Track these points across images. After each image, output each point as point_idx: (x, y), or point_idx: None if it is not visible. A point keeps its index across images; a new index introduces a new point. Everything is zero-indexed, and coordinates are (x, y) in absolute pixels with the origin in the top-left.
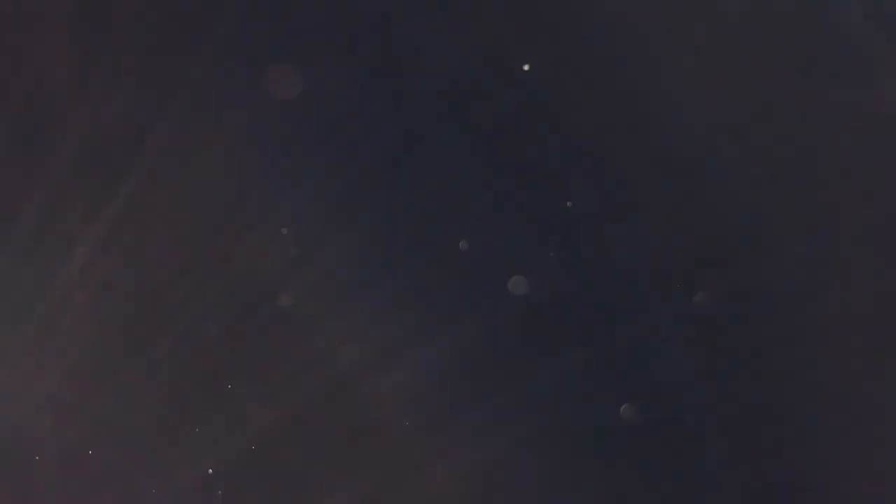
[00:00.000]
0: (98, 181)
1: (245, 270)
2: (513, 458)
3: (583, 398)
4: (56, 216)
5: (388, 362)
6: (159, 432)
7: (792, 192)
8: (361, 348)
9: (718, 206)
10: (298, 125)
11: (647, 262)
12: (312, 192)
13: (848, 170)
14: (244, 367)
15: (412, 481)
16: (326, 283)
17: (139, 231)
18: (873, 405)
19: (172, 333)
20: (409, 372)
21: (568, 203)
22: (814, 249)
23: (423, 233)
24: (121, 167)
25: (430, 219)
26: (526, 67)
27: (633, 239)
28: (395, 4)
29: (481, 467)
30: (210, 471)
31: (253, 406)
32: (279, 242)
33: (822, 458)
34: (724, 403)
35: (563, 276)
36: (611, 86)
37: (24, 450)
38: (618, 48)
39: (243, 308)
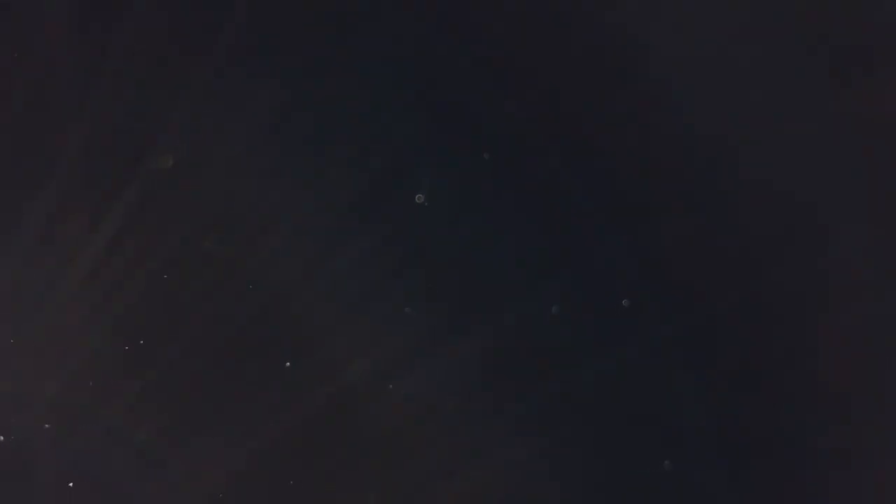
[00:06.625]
0: (105, 183)
1: (256, 276)
2: (522, 472)
3: (592, 411)
4: (60, 220)
5: (398, 372)
6: (166, 441)
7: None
8: (372, 357)
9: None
10: (308, 128)
11: (653, 270)
12: (323, 196)
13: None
14: (254, 374)
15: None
16: (337, 289)
17: (146, 236)
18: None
19: (180, 340)
20: (421, 382)
21: (576, 212)
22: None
23: (433, 238)
24: (129, 169)
25: (439, 225)
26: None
27: (640, 247)
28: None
29: (490, 482)
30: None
31: (263, 414)
32: (290, 248)
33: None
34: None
35: (571, 287)
36: (611, 90)
37: (27, 458)
38: (621, 51)
39: (254, 315)
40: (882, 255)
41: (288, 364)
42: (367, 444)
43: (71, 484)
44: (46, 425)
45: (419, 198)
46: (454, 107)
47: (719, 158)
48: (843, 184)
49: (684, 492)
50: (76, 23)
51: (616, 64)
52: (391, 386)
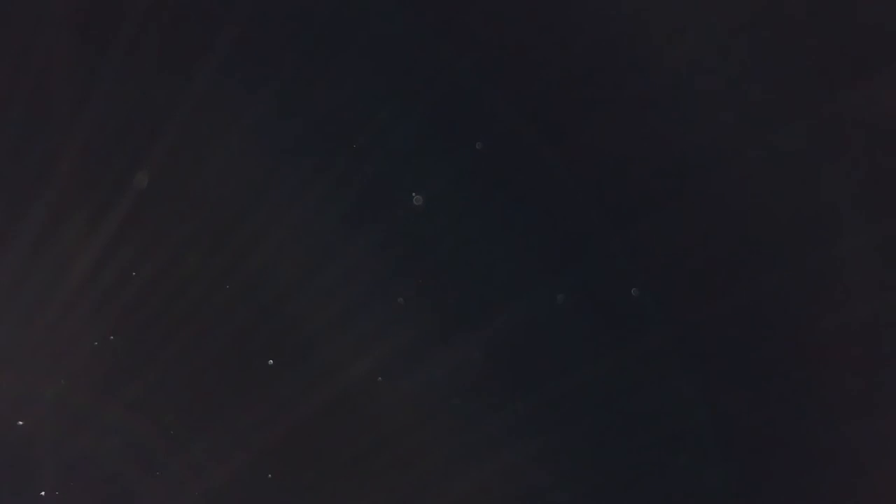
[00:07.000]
0: (105, 185)
1: (257, 276)
2: (519, 473)
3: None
4: (61, 219)
5: (397, 372)
6: (166, 441)
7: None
8: (371, 357)
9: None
10: (308, 126)
11: (653, 270)
12: (323, 194)
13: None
14: (255, 374)
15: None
16: (337, 289)
17: (148, 235)
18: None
19: (181, 339)
20: (419, 382)
21: (577, 212)
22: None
23: (433, 237)
24: (128, 172)
25: (439, 225)
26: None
27: (640, 247)
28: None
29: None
30: None
31: (264, 415)
32: (290, 247)
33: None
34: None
35: (570, 288)
36: (613, 90)
37: (29, 457)
38: (627, 50)
39: (254, 314)
40: (882, 255)
41: (271, 362)
42: (366, 444)
43: (43, 493)
44: (19, 422)
45: (417, 199)
46: (454, 107)
47: (719, 158)
48: (843, 184)
49: (685, 491)
50: (76, 24)
51: (616, 64)
52: (380, 378)
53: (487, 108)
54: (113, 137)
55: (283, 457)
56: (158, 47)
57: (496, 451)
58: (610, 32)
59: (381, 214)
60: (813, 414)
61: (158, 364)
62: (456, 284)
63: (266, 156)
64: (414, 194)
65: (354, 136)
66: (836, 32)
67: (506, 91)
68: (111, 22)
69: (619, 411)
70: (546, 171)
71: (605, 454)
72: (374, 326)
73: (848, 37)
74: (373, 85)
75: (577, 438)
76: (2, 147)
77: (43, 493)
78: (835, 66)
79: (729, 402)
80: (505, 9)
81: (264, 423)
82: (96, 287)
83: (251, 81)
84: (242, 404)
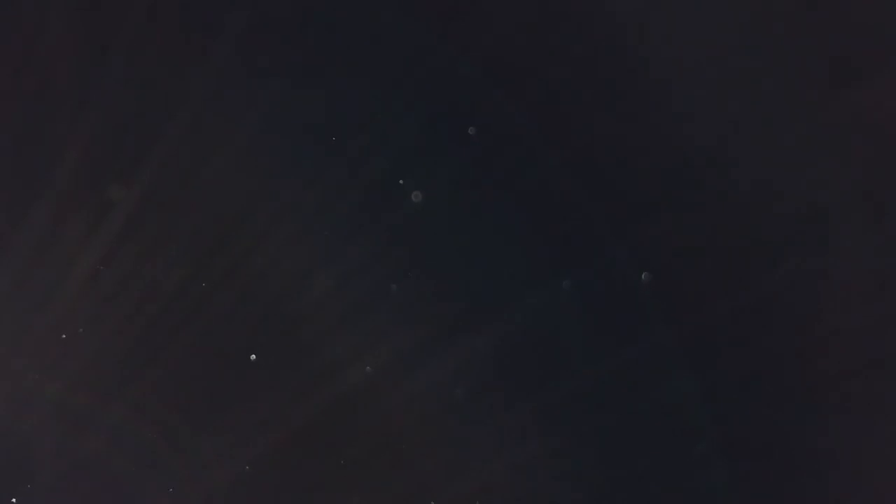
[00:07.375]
0: (108, 185)
1: (259, 276)
2: (520, 474)
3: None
4: (61, 221)
5: (399, 372)
6: (169, 442)
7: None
8: (372, 356)
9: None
10: (309, 128)
11: (654, 271)
12: (324, 195)
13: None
14: (257, 374)
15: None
16: (339, 289)
17: (150, 235)
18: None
19: (183, 341)
20: (419, 382)
21: (578, 213)
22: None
23: (434, 237)
24: (131, 171)
25: (440, 225)
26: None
27: (641, 249)
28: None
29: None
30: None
31: (266, 416)
32: (292, 247)
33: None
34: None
35: (570, 288)
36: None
37: (31, 459)
38: (625, 49)
39: (257, 315)
40: (882, 255)
41: (253, 357)
42: (367, 445)
43: (14, 500)
44: None
45: (416, 196)
46: (454, 108)
47: (719, 160)
48: (843, 184)
49: (686, 490)
50: (77, 23)
51: (617, 66)
52: (369, 368)
53: (487, 108)
54: (112, 137)
55: (284, 457)
56: (158, 47)
57: (497, 452)
58: (611, 31)
59: (380, 214)
60: (813, 414)
61: (159, 364)
62: (455, 284)
63: (265, 155)
64: (404, 186)
65: (354, 136)
66: (836, 32)
67: (506, 91)
68: (111, 22)
69: (619, 412)
70: (546, 171)
71: (604, 454)
72: (375, 326)
73: (848, 37)
74: (373, 85)
75: (577, 439)
76: (1, 147)
77: (42, 493)
78: (835, 66)
79: (729, 402)
80: (505, 8)
81: (265, 423)
82: (96, 287)
83: (250, 81)
84: (242, 404)
